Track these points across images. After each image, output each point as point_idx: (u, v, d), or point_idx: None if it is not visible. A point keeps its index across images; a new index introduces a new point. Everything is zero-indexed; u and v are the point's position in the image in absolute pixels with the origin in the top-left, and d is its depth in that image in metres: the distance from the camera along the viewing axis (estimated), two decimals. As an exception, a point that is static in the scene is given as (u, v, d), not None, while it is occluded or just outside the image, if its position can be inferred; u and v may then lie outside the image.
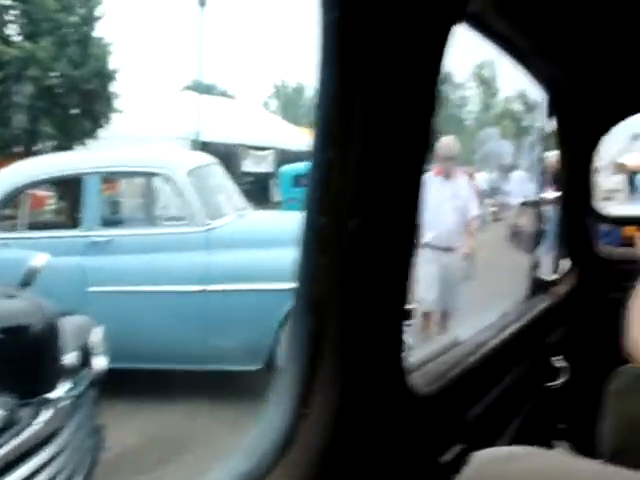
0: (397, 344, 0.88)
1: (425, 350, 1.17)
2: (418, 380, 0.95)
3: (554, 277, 1.98)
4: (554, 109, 1.84)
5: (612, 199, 12.35)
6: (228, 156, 13.13)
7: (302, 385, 0.74)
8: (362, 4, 0.70)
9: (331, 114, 0.72)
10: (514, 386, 1.43)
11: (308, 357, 0.74)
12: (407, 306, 0.89)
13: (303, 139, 13.72)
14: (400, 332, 0.87)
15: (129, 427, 3.87)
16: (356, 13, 0.70)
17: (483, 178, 16.76)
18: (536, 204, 2.04)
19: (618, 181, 13.02)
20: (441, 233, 4.89)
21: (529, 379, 1.57)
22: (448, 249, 5.01)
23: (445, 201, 4.96)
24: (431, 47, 0.83)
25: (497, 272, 5.83)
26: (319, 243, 0.73)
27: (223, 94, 29.14)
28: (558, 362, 1.68)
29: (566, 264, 2.06)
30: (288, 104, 47.70)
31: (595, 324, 1.79)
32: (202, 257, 4.49)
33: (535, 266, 1.89)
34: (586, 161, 2.05)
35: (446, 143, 5.07)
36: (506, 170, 15.30)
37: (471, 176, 13.80)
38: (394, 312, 0.86)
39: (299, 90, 49.14)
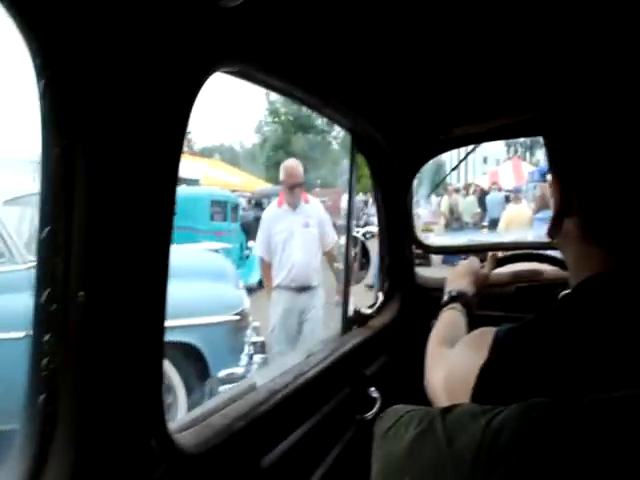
0: (155, 408, 0.84)
1: (208, 404, 1.11)
2: (187, 438, 0.93)
3: (373, 309, 1.97)
4: (360, 148, 1.79)
5: (465, 217, 13.30)
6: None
7: (32, 460, 0.72)
8: (76, 67, 0.66)
9: (53, 186, 0.70)
10: (326, 421, 1.43)
11: (39, 433, 0.72)
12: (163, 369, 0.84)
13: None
14: (159, 396, 0.84)
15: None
16: (69, 78, 0.66)
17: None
18: (355, 236, 1.98)
19: (471, 201, 14.07)
20: (296, 270, 4.26)
21: (344, 412, 1.57)
22: (304, 288, 4.30)
23: (295, 233, 4.32)
24: (171, 110, 0.79)
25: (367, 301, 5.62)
26: (47, 317, 0.73)
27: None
28: (374, 393, 1.69)
29: (388, 295, 2.07)
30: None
31: (414, 353, 1.79)
32: (24, 299, 3.97)
33: (348, 300, 1.84)
34: (402, 194, 2.05)
35: (288, 167, 4.32)
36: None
37: (338, 198, 14.15)
38: (144, 378, 0.82)
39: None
